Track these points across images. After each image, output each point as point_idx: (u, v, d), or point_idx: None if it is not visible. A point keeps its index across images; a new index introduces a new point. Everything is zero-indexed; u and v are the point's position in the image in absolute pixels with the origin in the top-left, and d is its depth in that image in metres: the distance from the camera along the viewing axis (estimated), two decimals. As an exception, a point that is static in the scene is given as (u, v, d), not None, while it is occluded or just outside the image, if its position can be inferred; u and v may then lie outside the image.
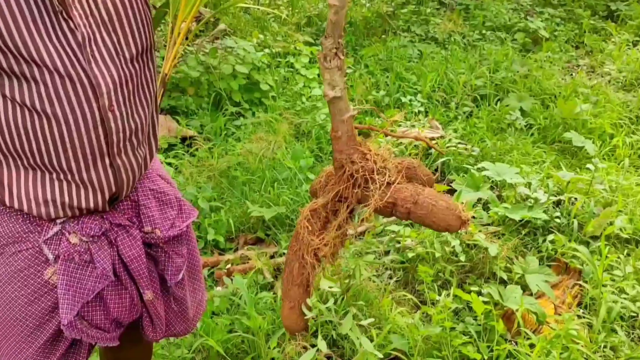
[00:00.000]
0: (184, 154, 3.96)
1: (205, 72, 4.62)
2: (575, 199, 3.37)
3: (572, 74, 5.37)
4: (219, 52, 4.82)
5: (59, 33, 1.33)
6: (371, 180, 1.68)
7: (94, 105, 1.39)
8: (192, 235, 1.84)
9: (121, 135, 1.46)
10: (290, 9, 6.26)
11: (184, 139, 4.17)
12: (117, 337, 1.67)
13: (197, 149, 4.01)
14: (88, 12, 1.36)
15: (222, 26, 5.81)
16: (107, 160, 1.47)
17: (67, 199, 1.46)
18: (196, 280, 1.91)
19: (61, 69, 1.34)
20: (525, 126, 4.33)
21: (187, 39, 4.70)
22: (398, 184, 1.69)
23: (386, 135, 1.84)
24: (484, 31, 5.91)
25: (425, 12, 6.22)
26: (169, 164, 3.80)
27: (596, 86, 4.90)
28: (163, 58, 4.45)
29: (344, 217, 1.76)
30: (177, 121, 4.30)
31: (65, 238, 1.50)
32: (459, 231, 1.71)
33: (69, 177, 1.44)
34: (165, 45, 4.35)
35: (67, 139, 1.39)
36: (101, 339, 1.62)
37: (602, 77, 5.25)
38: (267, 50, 5.22)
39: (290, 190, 3.49)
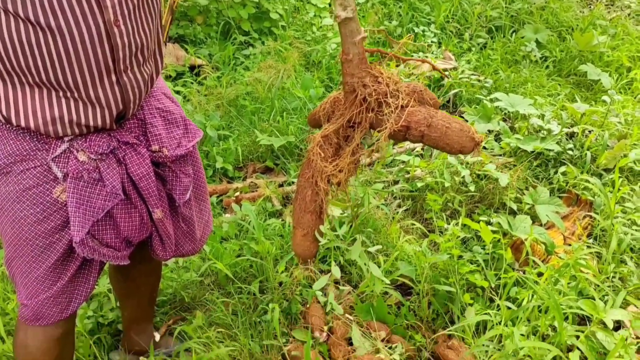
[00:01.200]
0: (192, 83, 3.91)
1: (214, 0, 4.51)
2: (590, 131, 3.31)
3: (590, 7, 5.22)
4: (227, -20, 4.70)
5: None
6: (385, 103, 1.64)
7: (99, 18, 1.35)
8: (198, 156, 1.83)
9: (127, 51, 1.43)
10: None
11: (192, 68, 4.10)
12: (127, 255, 1.67)
13: (205, 78, 3.95)
14: None
15: (231, -47, 5.64)
16: (113, 77, 1.44)
17: (74, 117, 1.44)
18: (202, 201, 1.90)
19: None
20: (540, 58, 4.23)
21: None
22: (411, 107, 1.65)
23: (397, 59, 1.79)
24: (501, -39, 5.71)
25: (441, -59, 6.01)
26: (177, 92, 3.75)
27: (615, 19, 4.77)
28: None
29: (357, 142, 1.73)
30: (186, 50, 4.23)
31: (74, 156, 1.49)
32: (472, 154, 1.68)
33: (76, 94, 1.42)
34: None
35: (72, 54, 1.36)
36: (112, 257, 1.62)
37: (622, 10, 5.10)
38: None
39: (299, 120, 3.45)
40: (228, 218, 2.77)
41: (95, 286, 2.32)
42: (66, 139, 1.48)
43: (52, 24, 1.32)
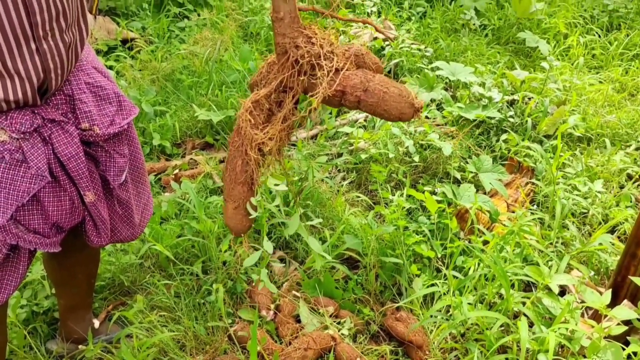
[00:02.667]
0: (125, 57, 3.75)
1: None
2: (530, 98, 3.33)
3: (526, -26, 5.24)
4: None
5: None
6: (318, 66, 1.55)
7: None
8: (134, 134, 1.72)
9: (46, 15, 1.31)
10: None
11: (124, 42, 3.94)
12: (57, 242, 1.56)
13: (139, 52, 3.80)
14: None
15: None
16: (32, 45, 1.32)
17: None
18: (140, 183, 1.80)
19: None
20: (479, 27, 4.23)
21: None
22: (347, 70, 1.57)
23: (335, 18, 1.69)
24: None
25: None
26: (110, 67, 3.59)
27: (551, -14, 4.80)
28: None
29: (289, 108, 1.64)
30: (117, 23, 4.05)
31: None
32: (412, 119, 1.62)
33: None
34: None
35: None
36: (40, 244, 1.51)
37: (557, -23, 5.15)
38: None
39: (239, 94, 3.35)
40: (167, 197, 2.67)
41: (28, 274, 2.21)
42: None
43: None
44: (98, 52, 3.73)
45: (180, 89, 3.43)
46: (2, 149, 1.38)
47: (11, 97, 1.34)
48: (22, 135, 1.39)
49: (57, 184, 1.48)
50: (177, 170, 2.90)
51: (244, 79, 3.47)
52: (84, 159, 1.50)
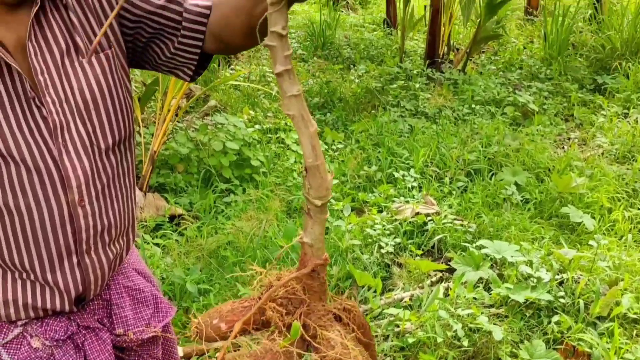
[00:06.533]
0: (172, 233, 3.83)
1: (195, 148, 4.54)
2: (579, 277, 3.25)
3: (564, 147, 5.35)
4: (209, 129, 4.76)
5: (30, 121, 1.22)
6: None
7: (62, 199, 1.26)
8: (170, 330, 1.68)
9: (91, 232, 1.33)
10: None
11: (172, 218, 4.04)
12: None
13: (185, 228, 3.88)
14: (63, 98, 1.25)
15: (212, 102, 5.79)
16: (74, 259, 1.32)
17: (29, 300, 1.31)
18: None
19: (29, 161, 1.22)
20: (521, 201, 4.25)
21: (176, 115, 4.65)
22: None
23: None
24: (473, 105, 5.91)
25: (414, 87, 6.25)
26: (157, 244, 3.66)
27: (590, 159, 4.87)
28: (152, 135, 4.38)
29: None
30: (166, 199, 4.19)
31: (27, 342, 1.35)
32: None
33: (32, 276, 1.30)
34: (154, 122, 4.29)
35: (30, 236, 1.26)
36: None
37: (595, 149, 5.23)
38: (257, 126, 5.18)
39: (282, 271, 3.35)
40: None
41: None
42: (20, 322, 1.35)
43: (11, 204, 1.23)
44: (146, 229, 3.82)
45: (225, 266, 3.46)
46: (33, 356, 1.35)
47: (49, 306, 1.34)
48: (55, 343, 1.37)
49: None
50: (219, 353, 2.84)
51: (287, 256, 3.49)
52: None
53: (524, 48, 7.93)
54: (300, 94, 1.10)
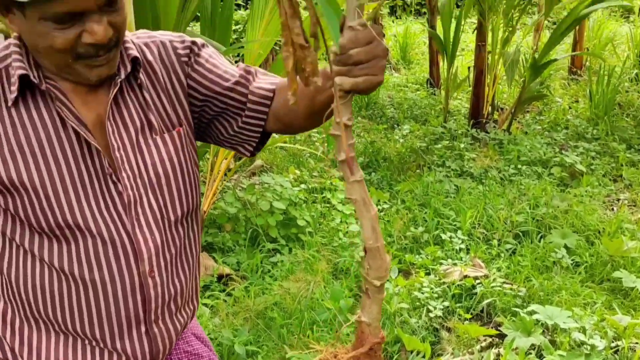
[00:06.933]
0: (220, 293, 3.86)
1: (242, 208, 4.61)
2: (635, 345, 3.16)
3: (613, 209, 5.27)
4: (256, 188, 4.84)
5: (106, 196, 1.29)
6: None
7: (134, 271, 1.32)
8: None
9: (160, 301, 1.38)
10: (326, 145, 6.36)
11: (220, 277, 4.08)
12: None
13: (233, 288, 3.92)
14: (137, 173, 1.32)
15: (258, 162, 5.89)
16: (142, 328, 1.37)
17: None
18: None
19: (105, 234, 1.28)
20: (571, 264, 4.18)
21: (225, 175, 4.75)
22: None
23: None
24: (519, 166, 5.89)
25: (459, 147, 6.26)
26: (205, 304, 3.70)
27: (641, 221, 4.78)
28: (202, 195, 4.48)
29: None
30: (214, 258, 4.25)
31: None
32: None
33: (102, 344, 1.35)
34: (204, 182, 4.39)
35: (102, 306, 1.31)
36: None
37: (646, 211, 5.13)
38: (303, 186, 5.24)
39: (330, 334, 3.35)
40: None
41: None
42: None
43: (87, 277, 1.28)
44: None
45: (272, 328, 3.46)
46: None
47: None
48: None
49: None
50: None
51: (334, 318, 3.48)
52: None
53: (569, 108, 7.90)
54: (362, 179, 1.16)
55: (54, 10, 1.12)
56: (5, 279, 1.34)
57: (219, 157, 4.26)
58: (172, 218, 1.38)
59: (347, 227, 4.75)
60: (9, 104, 1.25)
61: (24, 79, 1.24)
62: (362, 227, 1.18)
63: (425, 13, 10.43)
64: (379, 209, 5.08)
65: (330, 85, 1.11)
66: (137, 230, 1.31)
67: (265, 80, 1.43)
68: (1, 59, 1.27)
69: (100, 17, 1.17)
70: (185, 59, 1.42)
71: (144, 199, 1.33)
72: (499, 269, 4.08)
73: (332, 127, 1.13)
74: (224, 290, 3.92)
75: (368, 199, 1.17)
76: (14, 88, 1.24)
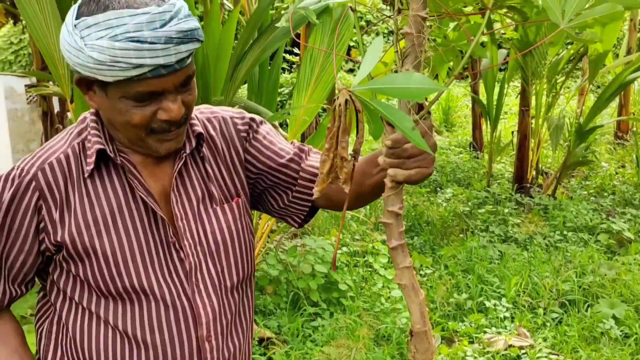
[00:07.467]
0: (260, 357, 3.85)
1: (284, 270, 4.64)
2: None
3: (664, 278, 5.11)
4: (297, 250, 4.87)
5: (170, 263, 1.36)
6: None
7: (193, 335, 1.37)
8: None
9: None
10: (368, 208, 6.38)
11: (260, 340, 4.08)
12: None
13: (274, 353, 3.91)
14: (197, 241, 1.40)
15: (301, 225, 5.92)
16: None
17: None
18: None
19: (167, 299, 1.35)
20: (620, 335, 4.06)
21: (268, 236, 4.79)
22: None
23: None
24: (565, 232, 5.80)
25: (503, 212, 6.21)
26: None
27: (693, 292, 4.62)
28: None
29: None
30: (255, 321, 4.25)
31: None
32: None
33: None
34: (247, 245, 4.44)
35: None
36: None
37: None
38: (345, 249, 5.25)
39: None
40: None
41: None
42: None
43: (148, 339, 1.34)
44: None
45: (313, 395, 3.43)
46: None
47: None
48: None
49: None
50: None
51: (376, 386, 3.43)
52: None
53: (616, 173, 7.80)
54: (411, 265, 1.20)
55: (135, 90, 1.22)
56: (70, 337, 1.40)
57: (262, 219, 4.32)
58: (229, 284, 1.44)
59: (389, 292, 4.72)
60: (86, 175, 1.34)
61: (100, 153, 1.32)
62: (411, 312, 1.22)
63: (467, 77, 10.52)
64: (421, 274, 5.05)
65: (377, 172, 1.17)
66: (197, 296, 1.38)
67: (316, 159, 1.51)
68: (79, 133, 1.38)
69: (176, 97, 1.27)
70: (244, 134, 1.52)
71: (204, 266, 1.40)
72: (544, 339, 3.99)
73: (383, 215, 1.18)
74: (264, 354, 3.91)
75: (416, 284, 1.22)
76: (91, 161, 1.33)
